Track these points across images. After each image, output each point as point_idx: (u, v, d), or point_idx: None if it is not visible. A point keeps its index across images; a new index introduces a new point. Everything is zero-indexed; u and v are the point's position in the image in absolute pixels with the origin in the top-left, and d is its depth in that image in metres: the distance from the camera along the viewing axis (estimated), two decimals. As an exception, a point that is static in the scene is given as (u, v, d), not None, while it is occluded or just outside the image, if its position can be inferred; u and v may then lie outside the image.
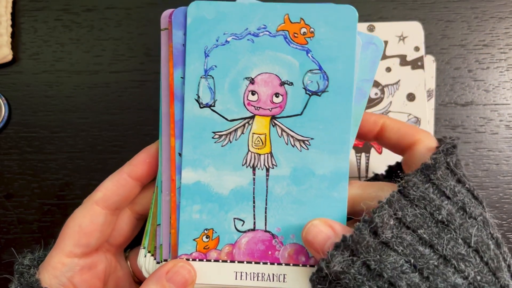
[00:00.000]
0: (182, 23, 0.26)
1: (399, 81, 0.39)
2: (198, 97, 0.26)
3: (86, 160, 0.40)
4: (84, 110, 0.40)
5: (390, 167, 0.31)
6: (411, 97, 0.39)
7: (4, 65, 0.40)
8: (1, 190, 0.40)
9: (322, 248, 0.24)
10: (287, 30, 0.26)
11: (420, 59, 0.39)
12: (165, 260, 0.27)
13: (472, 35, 0.40)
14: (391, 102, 0.39)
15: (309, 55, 0.26)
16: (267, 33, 0.26)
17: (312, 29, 0.26)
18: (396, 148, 0.28)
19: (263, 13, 0.26)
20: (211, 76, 0.26)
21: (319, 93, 0.26)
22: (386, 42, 0.39)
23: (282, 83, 0.26)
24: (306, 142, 0.26)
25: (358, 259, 0.22)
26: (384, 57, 0.39)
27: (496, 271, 0.22)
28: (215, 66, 0.26)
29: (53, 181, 0.40)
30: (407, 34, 0.39)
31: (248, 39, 0.26)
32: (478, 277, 0.21)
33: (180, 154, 0.27)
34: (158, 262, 0.28)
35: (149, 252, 0.28)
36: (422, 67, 0.39)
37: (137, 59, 0.41)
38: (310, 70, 0.26)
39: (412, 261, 0.22)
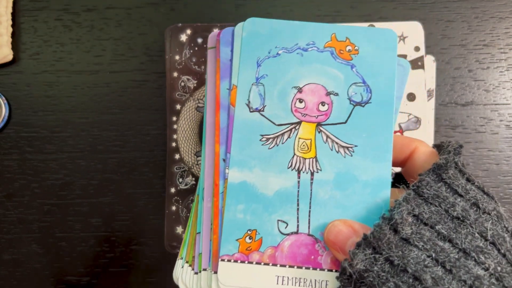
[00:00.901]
0: (229, 41, 0.29)
1: (399, 81, 0.39)
2: (249, 102, 0.28)
3: (86, 160, 0.40)
4: (85, 110, 0.40)
5: (397, 174, 0.32)
6: (411, 97, 0.39)
7: (4, 65, 0.40)
8: (1, 190, 0.40)
9: (344, 248, 0.24)
10: (334, 47, 0.28)
11: (420, 59, 0.39)
12: (204, 270, 0.27)
13: (472, 35, 0.40)
14: (391, 102, 0.39)
15: (353, 69, 0.28)
16: (315, 48, 0.28)
17: (356, 47, 0.28)
18: (396, 162, 0.29)
19: (312, 31, 0.29)
20: (262, 83, 0.28)
21: (363, 104, 0.28)
22: (386, 42, 0.39)
23: (328, 93, 0.28)
24: (350, 148, 0.27)
25: (380, 256, 0.22)
26: (384, 57, 0.39)
27: None
28: (266, 75, 0.28)
29: (53, 181, 0.40)
30: (407, 34, 0.39)
31: (297, 53, 0.28)
32: (498, 268, 0.22)
33: (224, 160, 0.28)
34: (196, 273, 0.28)
35: (186, 262, 0.28)
36: (422, 67, 0.39)
37: (137, 59, 0.41)
38: (355, 83, 0.28)
39: (433, 255, 0.22)
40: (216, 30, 0.30)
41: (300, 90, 0.28)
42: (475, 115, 0.40)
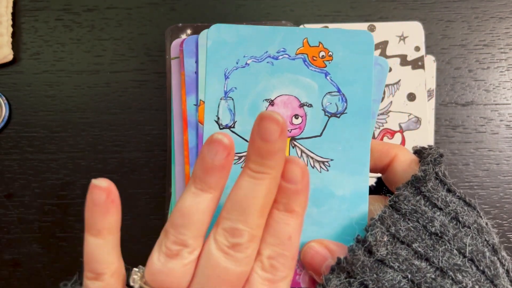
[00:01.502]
0: (193, 51, 0.26)
1: (399, 81, 0.39)
2: (218, 118, 0.26)
3: (86, 160, 0.40)
4: (85, 110, 0.40)
5: (379, 178, 0.31)
6: (411, 97, 0.39)
7: (4, 65, 0.40)
8: (1, 189, 0.40)
9: (319, 270, 0.24)
10: (306, 54, 0.26)
11: (421, 59, 0.39)
12: None
13: (472, 35, 0.40)
14: (391, 102, 0.39)
15: (327, 77, 0.26)
16: (287, 56, 0.26)
17: (330, 53, 0.26)
18: (375, 169, 0.28)
19: (282, 37, 0.26)
20: (231, 97, 0.26)
21: (338, 115, 0.26)
22: (386, 42, 0.39)
23: (302, 105, 0.26)
24: (326, 163, 0.26)
25: (355, 280, 0.22)
26: (385, 57, 0.39)
27: (493, 279, 0.22)
28: (235, 88, 0.26)
29: (53, 181, 0.40)
30: (408, 34, 0.39)
31: (267, 62, 0.26)
32: (476, 286, 0.21)
33: None
34: None
35: None
36: (422, 67, 0.39)
37: (137, 59, 0.41)
38: (329, 93, 0.26)
39: (409, 276, 0.21)
40: (179, 39, 0.28)
41: (271, 102, 0.26)
42: (475, 115, 0.40)
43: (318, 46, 0.26)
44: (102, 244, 0.21)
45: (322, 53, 0.26)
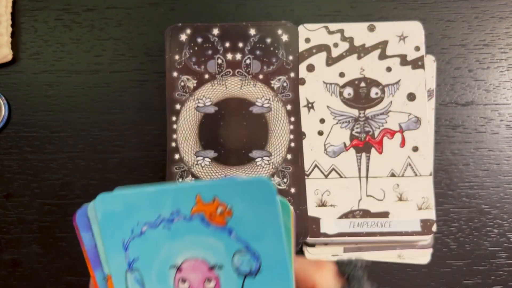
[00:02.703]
0: (87, 224, 0.24)
1: (399, 81, 0.39)
2: None
3: (86, 160, 0.40)
4: (84, 110, 0.40)
5: None
6: (411, 96, 0.39)
7: (4, 64, 0.40)
8: (1, 189, 0.40)
9: None
10: (203, 211, 0.24)
11: (421, 58, 0.39)
12: None
13: (472, 35, 0.40)
14: (391, 102, 0.39)
15: (232, 235, 0.24)
16: (182, 217, 0.24)
17: (229, 207, 0.24)
18: None
19: (173, 196, 0.24)
20: (137, 269, 0.24)
21: (253, 275, 0.24)
22: (386, 42, 0.39)
23: (212, 267, 0.24)
24: None
25: None
26: (385, 56, 0.39)
27: None
28: (138, 257, 0.24)
29: (53, 181, 0.40)
30: (408, 34, 0.39)
31: (163, 227, 0.24)
32: None
33: None
34: None
35: None
36: (422, 66, 0.39)
37: (137, 59, 0.41)
38: (238, 251, 0.24)
39: None
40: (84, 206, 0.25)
41: (179, 268, 0.24)
42: (476, 115, 0.40)
43: (213, 202, 0.24)
44: None
45: (219, 209, 0.24)
